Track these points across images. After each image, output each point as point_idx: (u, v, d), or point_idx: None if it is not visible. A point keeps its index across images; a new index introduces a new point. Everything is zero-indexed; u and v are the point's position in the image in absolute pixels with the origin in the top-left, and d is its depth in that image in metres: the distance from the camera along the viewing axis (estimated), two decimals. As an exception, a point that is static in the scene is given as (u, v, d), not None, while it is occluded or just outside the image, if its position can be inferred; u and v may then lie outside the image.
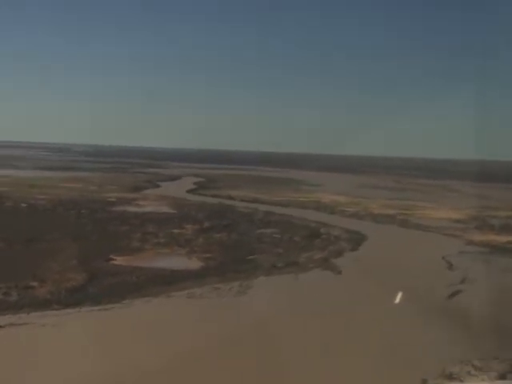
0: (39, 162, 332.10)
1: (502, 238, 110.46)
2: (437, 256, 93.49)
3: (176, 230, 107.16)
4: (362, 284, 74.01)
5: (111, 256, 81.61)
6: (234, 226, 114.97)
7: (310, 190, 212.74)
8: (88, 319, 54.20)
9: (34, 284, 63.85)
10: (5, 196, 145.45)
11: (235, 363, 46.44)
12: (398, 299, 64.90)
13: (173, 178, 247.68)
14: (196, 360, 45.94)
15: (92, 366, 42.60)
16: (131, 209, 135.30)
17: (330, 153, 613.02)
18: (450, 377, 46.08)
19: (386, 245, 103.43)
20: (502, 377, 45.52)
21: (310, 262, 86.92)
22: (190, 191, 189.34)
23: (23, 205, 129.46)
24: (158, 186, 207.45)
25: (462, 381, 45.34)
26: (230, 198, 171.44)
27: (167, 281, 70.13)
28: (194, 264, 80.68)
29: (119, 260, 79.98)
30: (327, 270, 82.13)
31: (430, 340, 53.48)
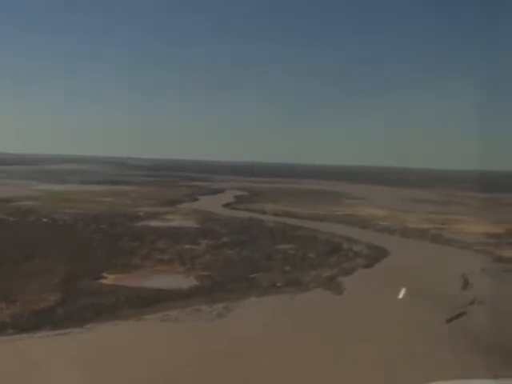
0: (91, 175, 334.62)
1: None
2: (456, 273, 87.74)
3: (188, 246, 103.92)
4: (359, 306, 68.88)
5: (103, 274, 78.35)
6: (252, 242, 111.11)
7: (353, 204, 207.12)
8: (34, 346, 50.68)
9: (2, 305, 60.82)
10: (33, 210, 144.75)
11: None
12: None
13: (215, 192, 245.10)
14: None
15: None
16: (154, 223, 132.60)
17: (387, 165, 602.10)
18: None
19: (406, 261, 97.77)
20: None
21: (315, 280, 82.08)
22: (225, 205, 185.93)
23: (44, 219, 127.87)
24: (196, 200, 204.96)
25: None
26: (264, 212, 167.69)
27: (148, 302, 66.34)
28: (187, 283, 76.80)
29: (110, 278, 76.70)
30: (329, 289, 77.09)
31: (408, 368, 48.35)
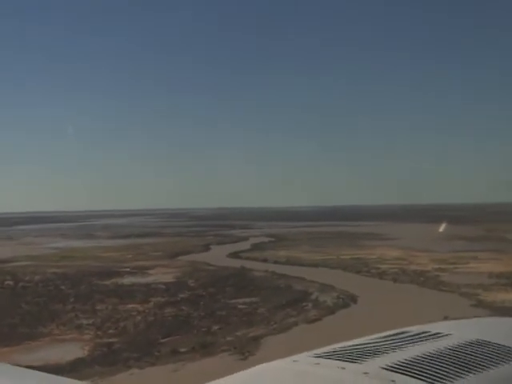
0: (125, 229, 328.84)
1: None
2: (410, 324, 74.71)
3: (131, 306, 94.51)
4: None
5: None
6: (212, 296, 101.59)
7: (374, 246, 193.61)
8: None
9: None
10: (12, 272, 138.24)
11: None
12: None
13: (239, 240, 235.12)
14: None
15: None
16: (126, 280, 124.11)
17: (447, 202, 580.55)
18: None
19: (365, 312, 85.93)
20: None
21: (233, 342, 71.55)
22: (231, 254, 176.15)
23: (7, 282, 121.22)
24: (207, 250, 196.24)
25: None
26: (265, 260, 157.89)
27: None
28: (73, 355, 67.06)
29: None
30: (238, 353, 66.31)
31: None
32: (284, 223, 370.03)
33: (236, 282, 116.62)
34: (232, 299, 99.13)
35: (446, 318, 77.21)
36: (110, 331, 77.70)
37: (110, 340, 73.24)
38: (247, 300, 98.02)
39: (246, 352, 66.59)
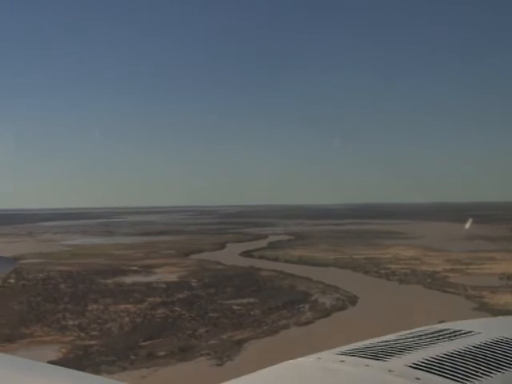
0: (146, 227, 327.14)
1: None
2: (401, 325, 71.34)
3: (124, 306, 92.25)
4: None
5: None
6: (208, 297, 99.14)
7: (392, 245, 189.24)
8: None
9: None
10: (19, 270, 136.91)
11: None
12: None
13: (256, 238, 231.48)
14: None
15: None
16: (128, 279, 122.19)
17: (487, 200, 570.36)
18: None
19: (358, 314, 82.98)
20: None
21: (216, 346, 68.97)
22: (244, 253, 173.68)
23: (10, 280, 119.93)
24: (222, 248, 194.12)
25: None
26: (276, 259, 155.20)
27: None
28: (45, 358, 63.98)
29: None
30: (218, 357, 63.65)
31: None
32: (309, 221, 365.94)
33: (239, 282, 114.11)
34: (229, 300, 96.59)
35: (441, 323, 74.10)
36: (93, 333, 75.50)
37: (90, 342, 71.08)
38: (244, 301, 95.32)
39: (225, 357, 63.90)
